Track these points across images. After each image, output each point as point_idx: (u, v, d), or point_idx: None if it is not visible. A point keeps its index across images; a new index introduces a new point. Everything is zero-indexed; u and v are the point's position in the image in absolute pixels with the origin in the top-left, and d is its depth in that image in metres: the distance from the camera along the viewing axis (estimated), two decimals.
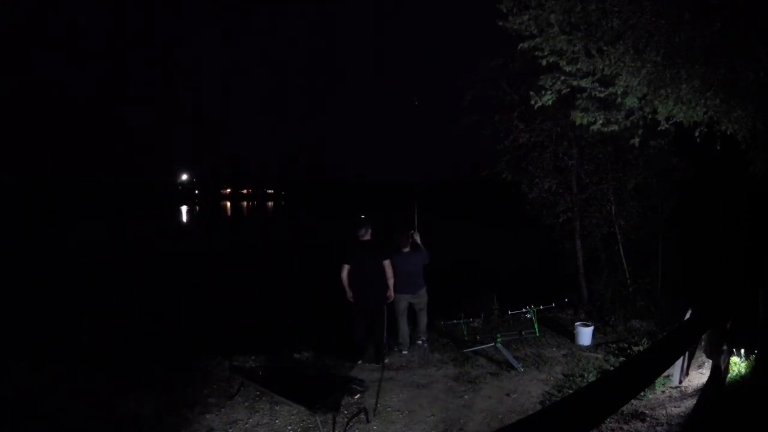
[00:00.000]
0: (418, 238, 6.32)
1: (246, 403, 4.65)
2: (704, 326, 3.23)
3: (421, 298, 6.31)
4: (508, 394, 4.87)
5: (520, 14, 4.20)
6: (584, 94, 4.80)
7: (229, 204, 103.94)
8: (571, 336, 6.57)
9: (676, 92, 4.15)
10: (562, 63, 4.42)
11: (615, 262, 8.23)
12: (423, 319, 6.41)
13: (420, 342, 6.36)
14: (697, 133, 4.56)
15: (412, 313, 6.38)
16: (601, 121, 4.87)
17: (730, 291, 4.33)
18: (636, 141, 5.04)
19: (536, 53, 4.46)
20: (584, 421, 1.44)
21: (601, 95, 4.64)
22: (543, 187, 8.11)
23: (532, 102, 4.93)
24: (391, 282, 5.95)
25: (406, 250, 6.23)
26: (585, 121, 4.91)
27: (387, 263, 5.89)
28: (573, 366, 5.57)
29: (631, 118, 4.84)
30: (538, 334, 6.70)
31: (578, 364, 5.59)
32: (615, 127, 4.91)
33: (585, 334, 6.39)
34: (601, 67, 4.29)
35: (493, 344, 5.81)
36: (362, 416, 4.38)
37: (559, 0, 4.00)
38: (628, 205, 7.96)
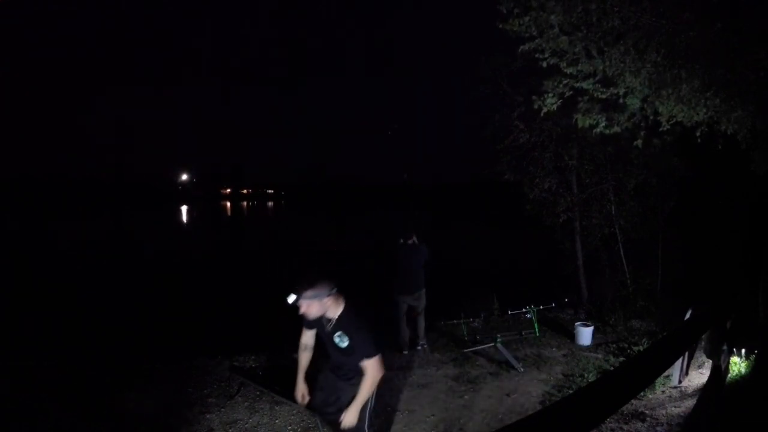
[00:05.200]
0: None
1: (246, 403, 4.65)
2: (704, 326, 3.23)
3: (420, 301, 6.25)
4: (508, 394, 4.87)
5: (520, 16, 4.20)
6: (586, 97, 4.80)
7: (229, 204, 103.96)
8: (571, 336, 6.58)
9: (677, 92, 4.15)
10: (563, 64, 4.42)
11: (615, 262, 8.23)
12: (421, 324, 6.36)
13: (419, 348, 6.32)
14: (698, 133, 4.57)
15: (410, 317, 6.31)
16: (603, 124, 4.87)
17: (730, 291, 4.33)
18: (639, 143, 5.03)
19: (537, 55, 4.45)
20: (584, 421, 1.44)
21: (603, 96, 4.64)
22: (543, 187, 8.11)
23: (535, 106, 4.93)
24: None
25: (409, 242, 6.15)
26: (587, 124, 4.90)
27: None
28: (573, 366, 5.57)
29: (633, 120, 4.84)
30: (538, 334, 6.70)
31: (578, 364, 5.60)
32: (618, 129, 4.90)
33: (585, 334, 6.39)
34: (601, 67, 4.28)
35: (493, 344, 5.81)
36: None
37: (560, 0, 4.00)
38: (628, 205, 7.96)
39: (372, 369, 2.89)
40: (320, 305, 2.90)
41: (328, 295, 2.89)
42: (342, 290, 2.97)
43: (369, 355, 2.88)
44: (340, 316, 2.95)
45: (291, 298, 2.87)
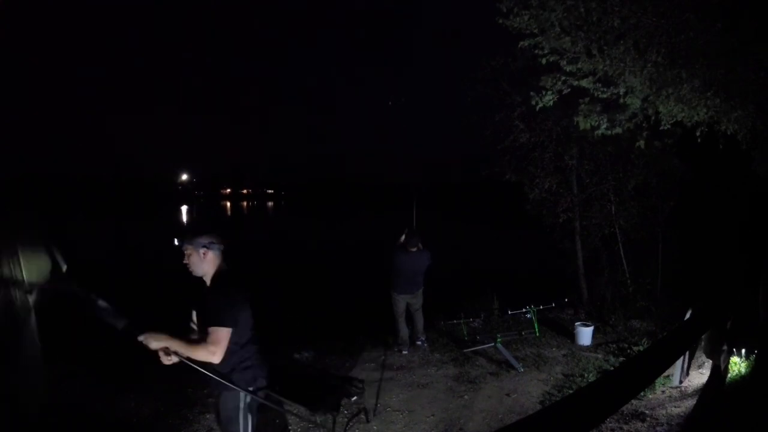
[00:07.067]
0: None
1: None
2: (704, 326, 3.23)
3: (418, 299, 6.33)
4: (508, 394, 4.87)
5: (520, 13, 4.20)
6: (587, 99, 4.79)
7: (229, 204, 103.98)
8: (571, 336, 6.57)
9: (677, 92, 4.15)
10: (563, 62, 4.42)
11: (615, 262, 8.22)
12: (420, 320, 6.43)
13: (419, 343, 6.39)
14: (698, 133, 4.57)
15: (408, 314, 6.39)
16: (605, 126, 4.87)
17: (730, 291, 4.33)
18: (642, 143, 5.02)
19: (536, 51, 4.46)
20: (584, 421, 1.44)
21: (604, 96, 4.64)
22: (543, 187, 8.11)
23: (533, 102, 4.93)
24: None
25: (413, 250, 6.20)
26: (588, 126, 4.90)
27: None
28: (573, 366, 5.57)
29: (634, 120, 4.83)
30: (538, 334, 6.70)
31: (578, 364, 5.59)
32: (619, 130, 4.90)
33: (585, 334, 6.39)
34: (601, 67, 4.28)
35: (493, 344, 5.81)
36: (362, 416, 4.38)
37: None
38: (628, 205, 7.96)
39: (213, 338, 2.49)
40: (198, 258, 2.60)
41: (206, 247, 2.59)
42: (226, 258, 2.67)
43: (217, 323, 2.50)
44: (212, 279, 2.64)
45: (176, 241, 2.72)
